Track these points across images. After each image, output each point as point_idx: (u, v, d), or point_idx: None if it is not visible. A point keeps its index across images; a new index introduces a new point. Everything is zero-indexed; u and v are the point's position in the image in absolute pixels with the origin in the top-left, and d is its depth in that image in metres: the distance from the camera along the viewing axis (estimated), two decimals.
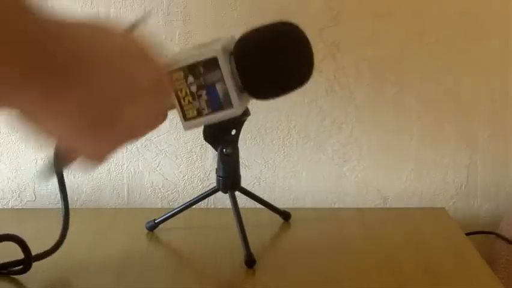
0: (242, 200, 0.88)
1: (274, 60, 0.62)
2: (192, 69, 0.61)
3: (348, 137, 1.04)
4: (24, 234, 0.77)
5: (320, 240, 0.89)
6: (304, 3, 0.98)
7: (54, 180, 0.91)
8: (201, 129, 0.77)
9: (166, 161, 1.04)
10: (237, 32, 0.68)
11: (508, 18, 1.00)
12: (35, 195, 1.05)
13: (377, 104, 1.02)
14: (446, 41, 1.00)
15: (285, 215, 0.95)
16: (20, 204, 1.06)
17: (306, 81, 0.65)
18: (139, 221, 0.91)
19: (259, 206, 0.92)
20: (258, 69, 0.62)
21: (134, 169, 1.04)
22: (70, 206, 0.78)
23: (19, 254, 0.77)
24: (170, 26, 0.99)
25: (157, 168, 1.05)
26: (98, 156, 0.45)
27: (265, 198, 0.93)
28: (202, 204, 0.93)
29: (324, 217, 0.98)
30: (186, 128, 0.64)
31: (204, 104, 0.62)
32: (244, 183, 0.88)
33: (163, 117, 0.48)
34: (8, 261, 0.78)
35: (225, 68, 0.61)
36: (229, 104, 0.62)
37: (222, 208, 1.02)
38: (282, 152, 1.04)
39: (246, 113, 0.80)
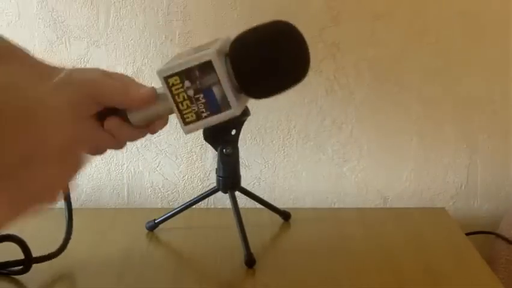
0: (242, 200, 0.88)
1: (269, 60, 0.62)
2: (187, 73, 0.61)
3: (348, 137, 1.04)
4: (24, 234, 0.77)
5: (320, 240, 0.89)
6: (304, 3, 0.98)
7: None
8: (201, 129, 0.77)
9: (166, 161, 1.04)
10: (237, 32, 0.68)
11: (508, 18, 1.00)
12: None
13: (377, 104, 1.03)
14: (446, 41, 1.00)
15: (285, 215, 0.95)
16: None
17: (303, 79, 0.64)
18: (139, 221, 0.91)
19: (259, 206, 0.92)
20: (253, 69, 0.62)
21: (134, 169, 1.05)
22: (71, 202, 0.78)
23: (19, 254, 0.77)
24: (170, 26, 0.99)
25: (157, 168, 1.05)
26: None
27: (265, 198, 0.93)
28: (202, 204, 0.93)
29: (324, 217, 0.98)
30: (186, 132, 0.64)
31: (202, 108, 0.62)
32: (244, 183, 0.88)
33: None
34: (8, 261, 0.78)
35: (221, 70, 0.61)
36: (227, 106, 0.62)
37: (222, 208, 1.02)
38: (282, 152, 1.04)
39: (246, 113, 0.81)
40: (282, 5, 0.97)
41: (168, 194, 1.06)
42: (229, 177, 0.85)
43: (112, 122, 0.65)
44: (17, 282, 0.77)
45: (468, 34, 1.00)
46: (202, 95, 0.62)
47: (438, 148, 1.04)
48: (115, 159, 1.04)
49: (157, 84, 0.63)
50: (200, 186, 1.05)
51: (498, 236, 0.98)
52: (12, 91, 0.42)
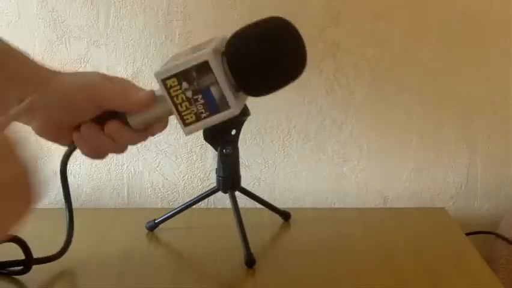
0: (242, 200, 0.88)
1: (266, 56, 0.61)
2: (185, 75, 0.61)
3: (348, 137, 1.04)
4: (24, 235, 0.77)
5: (320, 240, 0.89)
6: (304, 3, 0.98)
7: (54, 180, 0.90)
8: (201, 129, 0.77)
9: (166, 161, 1.04)
10: None
11: (508, 18, 1.00)
12: None
13: (377, 104, 1.03)
14: (446, 41, 1.00)
15: (285, 215, 0.95)
16: None
17: (300, 75, 0.64)
18: (139, 221, 0.91)
19: (259, 206, 0.92)
20: (250, 66, 0.62)
21: (134, 169, 1.05)
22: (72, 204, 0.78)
23: (19, 254, 0.77)
24: (170, 26, 0.99)
25: (157, 168, 1.05)
26: None
27: (265, 198, 0.93)
28: (202, 204, 0.93)
29: (324, 217, 0.98)
30: (187, 133, 0.64)
31: (201, 108, 0.62)
32: (244, 183, 0.88)
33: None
34: (8, 260, 0.78)
35: (218, 70, 0.61)
36: (226, 105, 0.62)
37: (222, 208, 1.02)
38: (282, 152, 1.04)
39: (246, 113, 0.81)
40: (282, 5, 0.97)
41: (168, 194, 1.06)
42: (229, 177, 0.85)
43: (112, 126, 0.65)
44: (17, 282, 0.77)
45: (468, 34, 1.00)
46: (200, 96, 0.62)
47: (438, 148, 1.04)
48: (115, 159, 1.04)
49: (156, 84, 0.63)
50: (200, 186, 1.05)
51: (498, 236, 0.98)
52: None
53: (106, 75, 0.68)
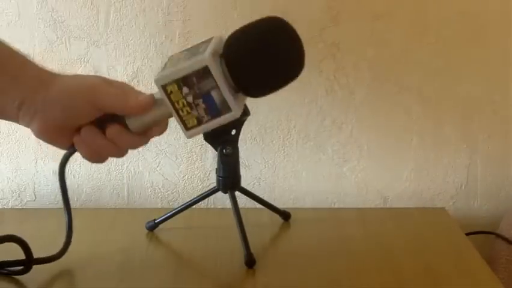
0: (242, 200, 0.88)
1: (264, 57, 0.61)
2: (185, 80, 0.61)
3: (348, 137, 1.04)
4: (25, 235, 0.77)
5: (320, 240, 0.89)
6: (304, 3, 0.98)
7: (54, 180, 0.91)
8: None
9: (166, 161, 1.04)
10: None
11: (508, 18, 1.00)
12: (35, 195, 1.05)
13: (377, 104, 1.03)
14: (446, 41, 1.00)
15: (285, 215, 0.95)
16: (20, 204, 1.06)
17: (299, 74, 0.64)
18: (139, 221, 0.91)
19: (259, 206, 0.92)
20: (249, 68, 0.62)
21: (134, 169, 1.05)
22: (70, 206, 0.78)
23: (19, 254, 0.77)
24: (170, 26, 0.99)
25: (157, 168, 1.05)
26: None
27: (265, 198, 0.93)
28: (202, 204, 0.93)
29: (324, 217, 0.98)
30: (189, 137, 0.65)
31: (202, 112, 0.62)
32: (244, 183, 0.88)
33: None
34: (8, 260, 0.78)
35: (218, 74, 0.61)
36: (228, 109, 0.62)
37: (222, 208, 1.02)
38: (282, 152, 1.04)
39: (246, 113, 0.80)
40: (282, 5, 0.97)
41: (168, 194, 1.06)
42: (229, 177, 0.85)
43: (113, 129, 0.65)
44: (17, 282, 0.77)
45: (468, 34, 1.00)
46: (201, 100, 0.62)
47: (438, 148, 1.04)
48: (115, 159, 1.03)
49: (156, 86, 0.63)
50: (200, 186, 1.05)
51: (498, 236, 0.98)
52: None
53: (106, 78, 0.68)
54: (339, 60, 1.00)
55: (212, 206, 1.05)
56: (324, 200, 1.06)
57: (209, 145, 0.84)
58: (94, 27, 0.99)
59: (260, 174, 1.05)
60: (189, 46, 0.67)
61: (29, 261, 0.76)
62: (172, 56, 0.66)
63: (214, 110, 0.62)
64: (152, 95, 0.65)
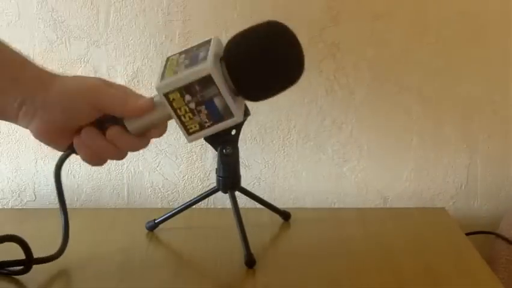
0: (242, 200, 0.88)
1: (265, 62, 0.62)
2: (187, 88, 0.61)
3: (348, 137, 1.04)
4: (25, 234, 0.77)
5: (320, 240, 0.89)
6: (304, 3, 0.98)
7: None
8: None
9: (166, 161, 1.04)
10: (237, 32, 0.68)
11: (508, 18, 1.00)
12: (35, 195, 1.05)
13: (377, 104, 1.03)
14: (446, 41, 1.00)
15: (285, 215, 0.95)
16: (20, 204, 1.06)
17: (298, 79, 0.65)
18: (139, 221, 0.91)
19: (259, 206, 0.92)
20: (250, 72, 0.62)
21: (134, 169, 1.05)
22: (70, 206, 0.78)
23: (19, 254, 0.77)
24: (170, 26, 0.99)
25: (157, 168, 1.05)
26: None
27: (265, 198, 0.93)
28: (202, 204, 0.93)
29: (324, 217, 0.98)
30: (190, 141, 0.65)
31: (204, 118, 0.62)
32: (244, 183, 0.88)
33: None
34: (8, 260, 0.78)
35: (220, 82, 0.61)
36: (230, 114, 0.62)
37: (222, 208, 1.02)
38: (282, 152, 1.04)
39: (246, 113, 0.80)
40: (282, 5, 0.97)
41: (168, 194, 1.06)
42: (229, 177, 0.85)
43: (113, 131, 0.65)
44: (17, 282, 0.77)
45: (468, 34, 1.00)
46: (203, 107, 0.62)
47: (438, 148, 1.04)
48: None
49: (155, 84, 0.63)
50: (200, 186, 1.05)
51: (498, 236, 0.98)
52: None
53: (106, 80, 0.68)
54: (339, 60, 1.00)
55: (212, 206, 1.05)
56: (324, 200, 1.06)
57: (209, 145, 0.84)
58: (94, 27, 0.99)
59: (260, 174, 1.05)
60: (188, 46, 0.66)
61: (29, 261, 0.76)
62: (169, 57, 0.66)
63: (217, 116, 0.62)
64: (152, 99, 0.65)
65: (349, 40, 1.00)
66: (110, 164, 1.04)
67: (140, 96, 0.67)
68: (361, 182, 1.06)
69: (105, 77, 0.99)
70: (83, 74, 0.99)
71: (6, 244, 0.76)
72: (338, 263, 0.82)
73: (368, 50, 1.00)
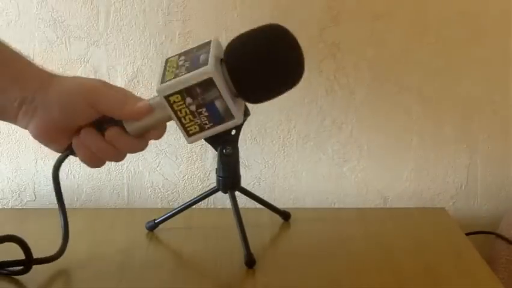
0: (242, 200, 0.88)
1: (266, 65, 0.62)
2: (188, 91, 0.61)
3: (348, 137, 1.03)
4: (25, 235, 0.77)
5: (320, 240, 0.89)
6: (304, 3, 0.98)
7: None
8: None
9: (166, 161, 1.04)
10: (237, 32, 0.68)
11: (508, 18, 1.00)
12: (35, 195, 1.05)
13: (377, 104, 1.02)
14: (446, 41, 1.00)
15: (285, 215, 0.94)
16: (20, 204, 1.06)
17: (298, 82, 0.65)
18: (139, 221, 0.91)
19: (259, 206, 0.92)
20: (251, 75, 0.62)
21: (134, 169, 1.05)
22: (70, 206, 0.78)
23: (20, 254, 0.77)
24: (170, 26, 0.99)
25: (157, 168, 1.05)
26: None
27: (265, 198, 0.93)
28: (202, 204, 0.93)
29: (324, 217, 0.98)
30: (190, 142, 0.65)
31: (205, 120, 0.63)
32: (244, 183, 0.88)
33: None
34: (8, 260, 0.78)
35: (222, 85, 0.61)
36: (231, 116, 0.63)
37: (222, 208, 1.02)
38: (282, 152, 1.04)
39: (246, 113, 0.80)
40: (282, 5, 0.97)
41: (168, 194, 1.06)
42: (229, 177, 0.85)
43: (113, 132, 0.65)
44: (16, 282, 0.77)
45: (468, 34, 1.00)
46: (204, 109, 0.62)
47: (438, 148, 1.04)
48: None
49: (155, 85, 0.63)
50: (200, 186, 1.05)
51: (498, 236, 0.98)
52: None
53: (106, 82, 0.68)
54: (339, 60, 1.00)
55: (212, 206, 1.05)
56: (324, 200, 1.06)
57: (209, 145, 0.84)
58: (94, 27, 0.99)
59: (260, 174, 1.05)
60: (188, 47, 0.67)
61: (28, 262, 0.76)
62: (168, 59, 0.66)
63: (217, 118, 0.63)
64: (150, 104, 0.65)
65: (349, 40, 1.00)
66: (110, 164, 1.02)
67: (140, 98, 0.67)
68: (361, 182, 1.06)
69: (105, 77, 0.99)
70: (83, 74, 0.99)
71: (6, 244, 0.76)
72: (338, 263, 0.82)
73: (368, 50, 1.00)
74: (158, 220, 0.90)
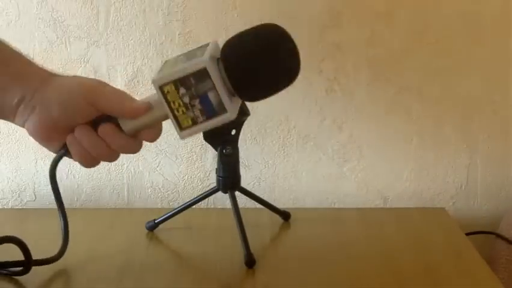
0: (242, 200, 0.88)
1: (263, 63, 0.63)
2: (182, 81, 0.62)
3: (348, 137, 1.03)
4: (25, 235, 0.77)
5: (320, 240, 0.89)
6: (304, 3, 0.98)
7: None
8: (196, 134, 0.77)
9: (166, 161, 1.04)
10: (237, 32, 0.68)
11: (508, 18, 1.00)
12: (35, 195, 1.05)
13: (377, 104, 1.02)
14: (446, 41, 1.00)
15: (285, 215, 0.95)
16: (20, 204, 1.06)
17: (294, 80, 0.65)
18: (139, 221, 0.91)
19: (259, 206, 0.92)
20: (247, 73, 0.63)
21: (134, 169, 1.05)
22: (70, 206, 0.78)
23: (20, 254, 0.76)
24: (170, 26, 0.99)
25: (157, 168, 1.05)
26: None
27: (265, 198, 0.93)
28: (202, 204, 0.93)
29: (324, 217, 0.98)
30: (182, 137, 0.65)
31: (198, 113, 0.63)
32: (244, 183, 0.88)
33: None
34: (8, 261, 0.78)
35: (216, 76, 0.62)
36: (223, 110, 0.63)
37: (222, 208, 1.02)
38: (282, 152, 1.04)
39: (245, 113, 0.81)
40: (282, 5, 0.97)
41: (168, 194, 1.06)
42: (229, 177, 0.85)
43: (106, 128, 0.66)
44: (16, 282, 0.77)
45: (468, 34, 1.00)
46: (197, 101, 0.63)
47: (438, 148, 1.04)
48: None
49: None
50: (200, 186, 1.05)
51: (498, 236, 0.98)
52: None
53: (105, 82, 0.69)
54: (339, 60, 1.00)
55: (212, 206, 1.05)
56: (324, 200, 1.06)
57: (209, 145, 0.84)
58: (94, 27, 0.99)
59: (260, 174, 1.05)
60: (188, 48, 0.67)
61: (28, 263, 0.76)
62: (167, 60, 0.67)
63: (210, 111, 0.63)
64: (148, 102, 0.65)
65: (349, 40, 1.00)
66: (110, 164, 1.04)
67: (136, 100, 0.67)
68: (361, 182, 1.06)
69: (105, 77, 0.99)
70: (83, 74, 0.99)
71: (5, 245, 0.76)
72: (337, 263, 0.82)
73: (368, 50, 1.00)
74: (158, 220, 0.90)
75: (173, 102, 0.63)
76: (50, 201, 1.02)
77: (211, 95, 0.62)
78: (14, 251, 0.76)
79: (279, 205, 0.95)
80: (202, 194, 0.89)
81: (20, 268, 0.77)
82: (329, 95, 1.02)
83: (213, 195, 0.88)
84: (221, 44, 0.65)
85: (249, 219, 0.83)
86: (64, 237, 0.77)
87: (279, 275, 0.79)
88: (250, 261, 0.80)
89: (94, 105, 0.65)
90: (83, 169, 1.03)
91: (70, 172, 1.04)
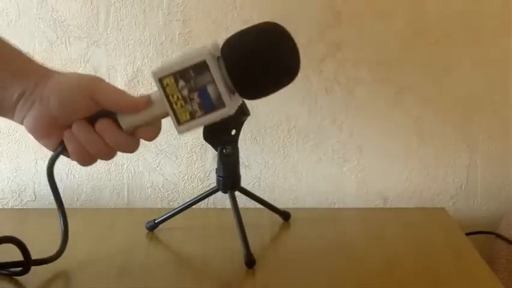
0: (242, 200, 0.88)
1: (262, 61, 0.63)
2: (182, 74, 0.62)
3: (348, 137, 1.03)
4: (24, 235, 0.77)
5: (320, 240, 0.89)
6: (304, 3, 0.98)
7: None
8: (201, 129, 0.77)
9: (166, 161, 1.04)
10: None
11: (508, 18, 1.00)
12: (35, 195, 1.05)
13: (377, 104, 1.02)
14: (446, 41, 1.00)
15: (285, 215, 0.95)
16: (20, 204, 1.06)
17: (294, 78, 0.65)
18: (139, 221, 0.91)
19: (259, 206, 0.92)
20: (247, 71, 0.63)
21: (134, 169, 1.05)
22: (70, 206, 0.78)
23: (19, 254, 0.76)
24: (170, 26, 0.99)
25: (157, 168, 1.05)
26: None
27: (265, 198, 0.93)
28: (202, 204, 0.93)
29: (324, 217, 0.98)
30: (180, 132, 0.65)
31: (196, 107, 0.63)
32: (244, 183, 0.88)
33: None
34: (8, 261, 0.78)
35: (215, 69, 0.62)
36: (222, 104, 0.63)
37: (222, 208, 1.02)
38: (282, 152, 1.04)
39: (245, 113, 0.81)
40: (282, 5, 0.97)
41: (168, 194, 1.06)
42: (229, 177, 0.85)
43: (103, 123, 0.66)
44: (16, 282, 0.77)
45: (468, 34, 1.00)
46: (196, 94, 0.63)
47: (438, 148, 1.04)
48: (114, 159, 1.03)
49: (155, 86, 0.63)
50: (200, 186, 1.05)
51: (498, 236, 0.98)
52: None
53: (102, 78, 0.69)
54: (339, 60, 1.00)
55: (212, 206, 1.05)
56: (324, 200, 1.06)
57: (209, 145, 0.84)
58: (94, 27, 0.99)
59: (260, 174, 1.05)
60: (190, 46, 0.67)
61: (27, 263, 0.76)
62: (167, 60, 0.67)
63: (209, 105, 0.63)
64: (148, 97, 0.66)
65: (349, 40, 1.00)
66: (110, 164, 1.04)
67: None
68: (361, 182, 1.06)
69: (105, 77, 0.99)
70: None
71: (5, 245, 0.76)
72: (337, 263, 0.82)
73: (368, 50, 1.00)
74: (158, 220, 0.90)
75: (172, 96, 0.63)
76: (50, 201, 1.02)
77: (210, 89, 0.62)
78: (14, 251, 0.76)
79: (279, 205, 0.95)
80: (202, 194, 0.89)
81: (20, 268, 0.77)
82: (329, 95, 1.02)
83: (213, 195, 0.88)
84: (221, 43, 0.65)
85: (249, 219, 0.83)
86: (63, 236, 0.77)
87: (279, 275, 0.79)
88: (250, 261, 0.80)
89: (94, 99, 0.65)
90: (83, 169, 1.03)
91: (69, 172, 1.04)
